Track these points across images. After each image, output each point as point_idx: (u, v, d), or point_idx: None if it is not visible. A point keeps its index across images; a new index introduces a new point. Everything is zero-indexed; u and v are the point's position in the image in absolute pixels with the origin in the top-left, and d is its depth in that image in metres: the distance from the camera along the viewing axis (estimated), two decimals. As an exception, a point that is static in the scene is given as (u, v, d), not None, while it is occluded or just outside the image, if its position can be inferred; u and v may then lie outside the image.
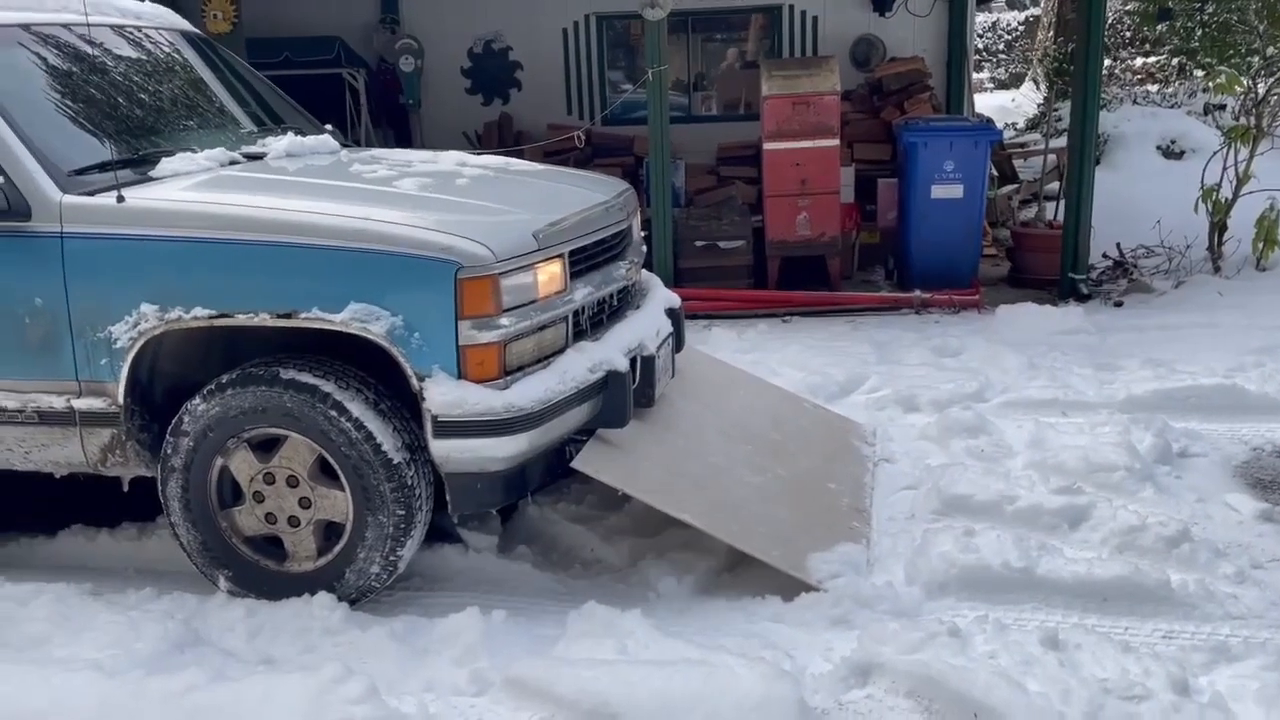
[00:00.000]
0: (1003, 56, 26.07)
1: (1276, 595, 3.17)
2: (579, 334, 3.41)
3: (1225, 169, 6.90)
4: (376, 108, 9.54)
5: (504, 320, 3.06)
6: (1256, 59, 7.69)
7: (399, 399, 3.14)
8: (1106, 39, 14.55)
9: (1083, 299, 6.82)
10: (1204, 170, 6.99)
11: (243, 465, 3.19)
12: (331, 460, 3.10)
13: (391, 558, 3.14)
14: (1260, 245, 6.80)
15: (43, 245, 3.14)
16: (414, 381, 3.03)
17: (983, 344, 5.79)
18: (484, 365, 3.04)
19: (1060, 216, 7.33)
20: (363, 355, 3.14)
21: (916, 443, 4.40)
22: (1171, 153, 10.37)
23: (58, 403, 3.24)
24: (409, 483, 3.09)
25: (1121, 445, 4.04)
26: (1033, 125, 13.57)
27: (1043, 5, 19.17)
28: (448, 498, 3.14)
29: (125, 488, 3.48)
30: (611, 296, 3.66)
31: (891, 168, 8.02)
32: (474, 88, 9.94)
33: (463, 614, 3.01)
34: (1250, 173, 6.86)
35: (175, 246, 3.09)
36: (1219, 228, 7.00)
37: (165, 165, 3.42)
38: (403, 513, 3.10)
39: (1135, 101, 12.17)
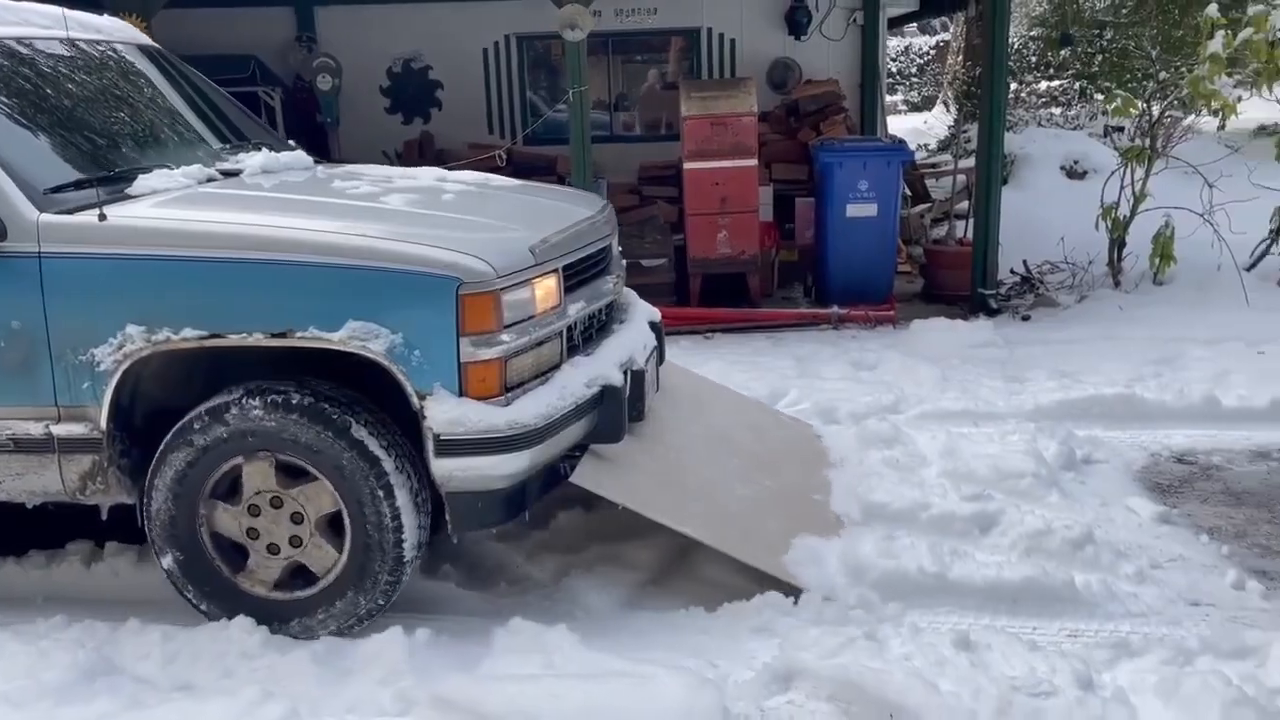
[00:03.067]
0: (916, 80, 26.83)
1: (1174, 593, 3.33)
2: (572, 349, 3.41)
3: (1123, 188, 7.21)
4: (294, 127, 9.41)
5: (504, 336, 3.03)
6: (1151, 83, 8.07)
7: (396, 420, 3.09)
8: (1013, 64, 15.10)
9: (992, 313, 7.05)
10: (1103, 189, 7.30)
11: (257, 476, 3.11)
12: (348, 527, 3.06)
13: (351, 619, 3.13)
14: (1157, 261, 7.11)
15: (19, 266, 3.02)
16: (414, 400, 2.98)
17: (898, 358, 5.94)
18: (485, 382, 3.00)
19: (970, 234, 7.57)
20: (350, 374, 3.09)
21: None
22: (1074, 173, 10.79)
23: (35, 429, 3.11)
24: (405, 572, 3.10)
25: (1029, 453, 4.20)
26: (944, 146, 13.98)
27: (952, 31, 19.82)
28: (447, 518, 3.07)
29: (104, 516, 3.35)
30: (601, 311, 3.70)
31: (809, 187, 8.20)
32: (394, 107, 9.89)
33: (386, 634, 2.99)
34: (1146, 191, 7.18)
35: (163, 265, 3.00)
36: (1118, 244, 7.30)
37: (142, 182, 3.31)
38: (382, 601, 3.11)
39: (1040, 124, 12.66)
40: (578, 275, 3.49)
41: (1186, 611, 3.22)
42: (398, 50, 9.74)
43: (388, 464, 3.02)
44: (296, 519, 3.11)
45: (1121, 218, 7.22)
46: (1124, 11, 14.87)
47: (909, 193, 9.47)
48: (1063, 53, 15.32)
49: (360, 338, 2.94)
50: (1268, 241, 7.14)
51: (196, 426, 3.06)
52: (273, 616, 3.12)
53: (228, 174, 3.66)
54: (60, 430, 3.11)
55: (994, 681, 2.73)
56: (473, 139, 9.26)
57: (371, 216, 3.28)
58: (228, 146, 3.98)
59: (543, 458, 3.14)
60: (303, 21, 9.57)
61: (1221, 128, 7.30)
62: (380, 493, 3.00)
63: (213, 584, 3.16)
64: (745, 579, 3.39)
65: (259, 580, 3.16)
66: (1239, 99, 7.13)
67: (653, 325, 3.97)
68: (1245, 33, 6.63)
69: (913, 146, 13.82)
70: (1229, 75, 6.85)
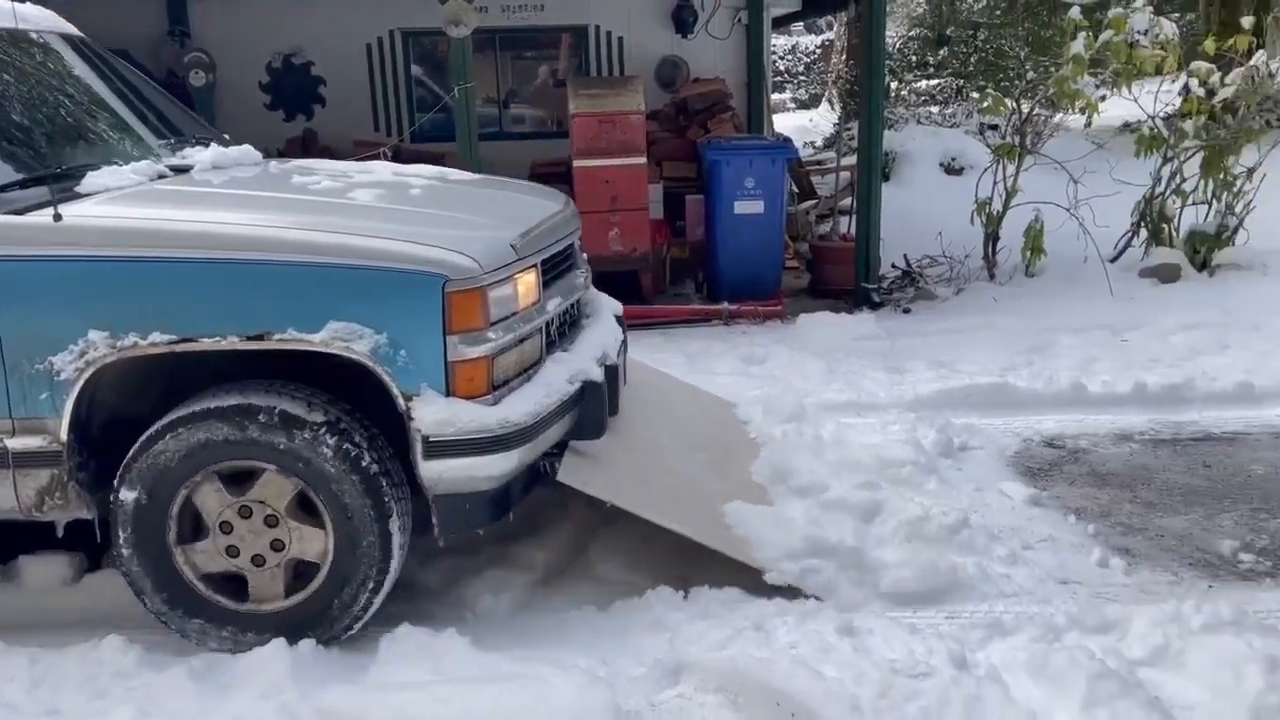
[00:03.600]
0: (803, 78, 27.36)
1: (1044, 572, 3.48)
2: (550, 345, 3.37)
3: (995, 184, 7.50)
4: (168, 123, 9.06)
5: (491, 334, 2.96)
6: (1020, 83, 8.41)
7: (376, 423, 3.01)
8: (893, 63, 15.54)
9: (875, 307, 7.25)
10: (977, 185, 7.58)
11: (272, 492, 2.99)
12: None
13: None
14: (1029, 253, 7.41)
15: None
16: (400, 401, 2.89)
17: (786, 352, 6.06)
18: (473, 381, 2.93)
19: (854, 230, 7.77)
20: (326, 375, 3.00)
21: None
22: (953, 169, 11.20)
23: None
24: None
25: (909, 442, 4.34)
26: (829, 144, 14.31)
27: (836, 31, 20.28)
28: (434, 521, 3.00)
29: (60, 533, 3.16)
30: (573, 306, 3.65)
31: (698, 185, 8.30)
32: (274, 103, 9.61)
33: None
34: (1017, 187, 7.48)
35: (128, 267, 2.84)
36: (992, 238, 7.59)
37: (92, 180, 3.13)
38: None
39: (919, 121, 13.07)
40: (553, 270, 3.47)
41: (1056, 590, 3.37)
42: (277, 45, 9.47)
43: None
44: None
45: (995, 213, 7.51)
46: (997, 13, 15.45)
47: (796, 190, 9.66)
48: (941, 52, 15.85)
49: (343, 338, 2.84)
50: (1130, 234, 7.52)
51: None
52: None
53: (178, 170, 3.52)
54: (15, 444, 2.93)
55: (875, 665, 2.81)
56: (358, 136, 9.07)
57: (345, 213, 3.18)
58: (171, 141, 3.82)
59: (530, 456, 3.11)
60: (175, 15, 9.21)
61: (1088, 125, 7.69)
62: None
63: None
64: (639, 576, 3.42)
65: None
66: (1102, 98, 7.51)
67: (617, 318, 3.98)
68: (1106, 34, 6.99)
69: (799, 144, 14.11)
70: (1092, 75, 7.19)
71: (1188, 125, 7.12)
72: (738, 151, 7.42)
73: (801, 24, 26.69)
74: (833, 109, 15.03)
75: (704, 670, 2.83)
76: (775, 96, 27.22)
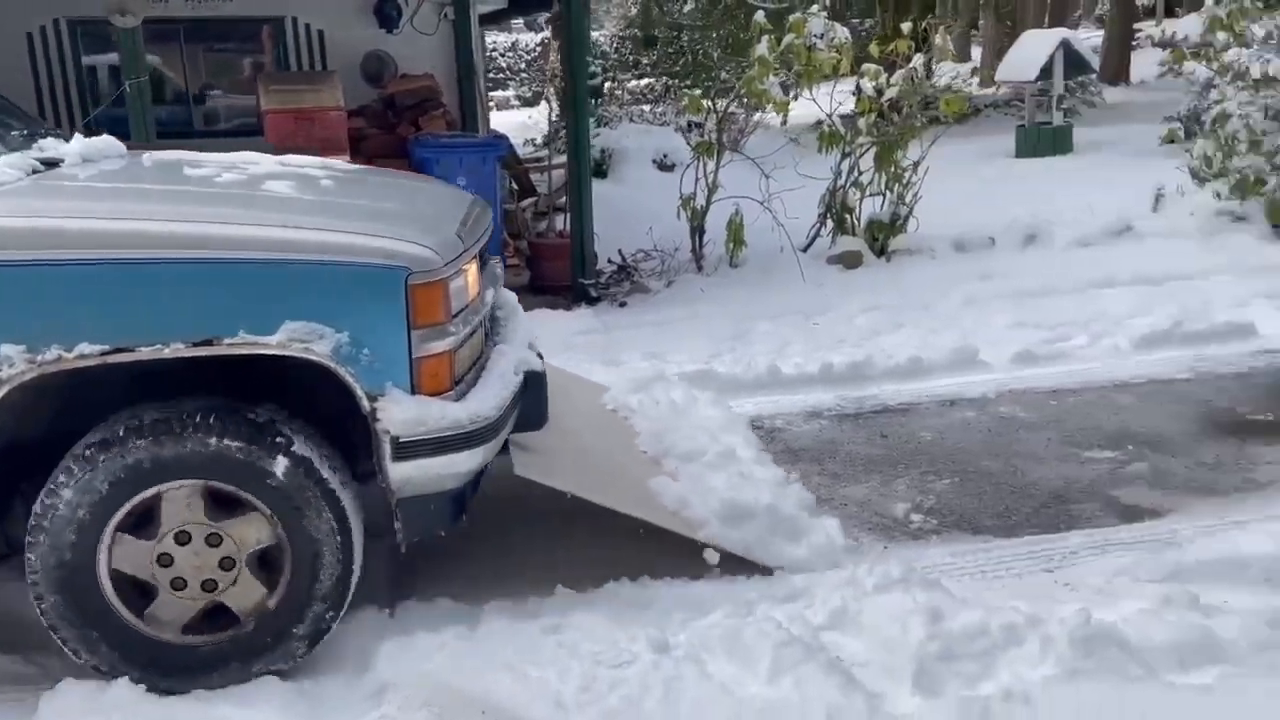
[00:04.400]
0: (524, 75, 27.49)
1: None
2: (487, 337, 3.29)
3: (698, 180, 7.84)
4: None
5: (451, 327, 2.86)
6: (716, 83, 8.84)
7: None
8: (605, 62, 15.95)
9: (593, 302, 7.38)
10: (680, 181, 7.89)
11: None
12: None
13: None
14: (731, 246, 7.80)
15: None
16: (365, 403, 2.73)
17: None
18: (438, 377, 2.83)
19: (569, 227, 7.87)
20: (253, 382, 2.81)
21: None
22: (665, 165, 11.59)
23: None
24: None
25: (618, 434, 4.43)
26: (549, 141, 14.45)
27: (552, 29, 20.50)
28: (398, 526, 2.86)
29: None
30: (495, 298, 3.59)
31: (410, 183, 8.08)
32: (-86, 97, 8.43)
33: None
34: (718, 183, 7.86)
35: (44, 272, 2.56)
36: (698, 232, 7.94)
37: None
38: None
39: (632, 119, 13.48)
40: (482, 260, 3.38)
41: (749, 564, 3.54)
42: (-87, 32, 8.31)
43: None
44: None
45: (699, 207, 7.84)
46: (699, 17, 16.22)
47: (516, 187, 9.66)
48: (653, 53, 16.43)
49: (302, 339, 2.66)
50: (818, 225, 8.09)
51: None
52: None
53: (47, 163, 3.23)
54: None
55: (579, 659, 2.84)
56: (20, 135, 8.14)
57: (274, 207, 2.98)
58: (23, 132, 3.52)
59: (493, 452, 3.04)
60: None
61: (784, 123, 8.20)
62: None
63: None
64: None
65: None
66: (795, 97, 8.04)
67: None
68: (788, 38, 7.47)
69: (520, 142, 14.11)
70: (777, 76, 7.67)
71: (861, 123, 7.75)
72: (448, 149, 7.32)
73: (522, 21, 26.79)
74: (550, 106, 15.17)
75: (409, 687, 2.76)
76: (499, 94, 27.18)
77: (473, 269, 3.15)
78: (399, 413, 2.79)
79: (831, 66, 7.46)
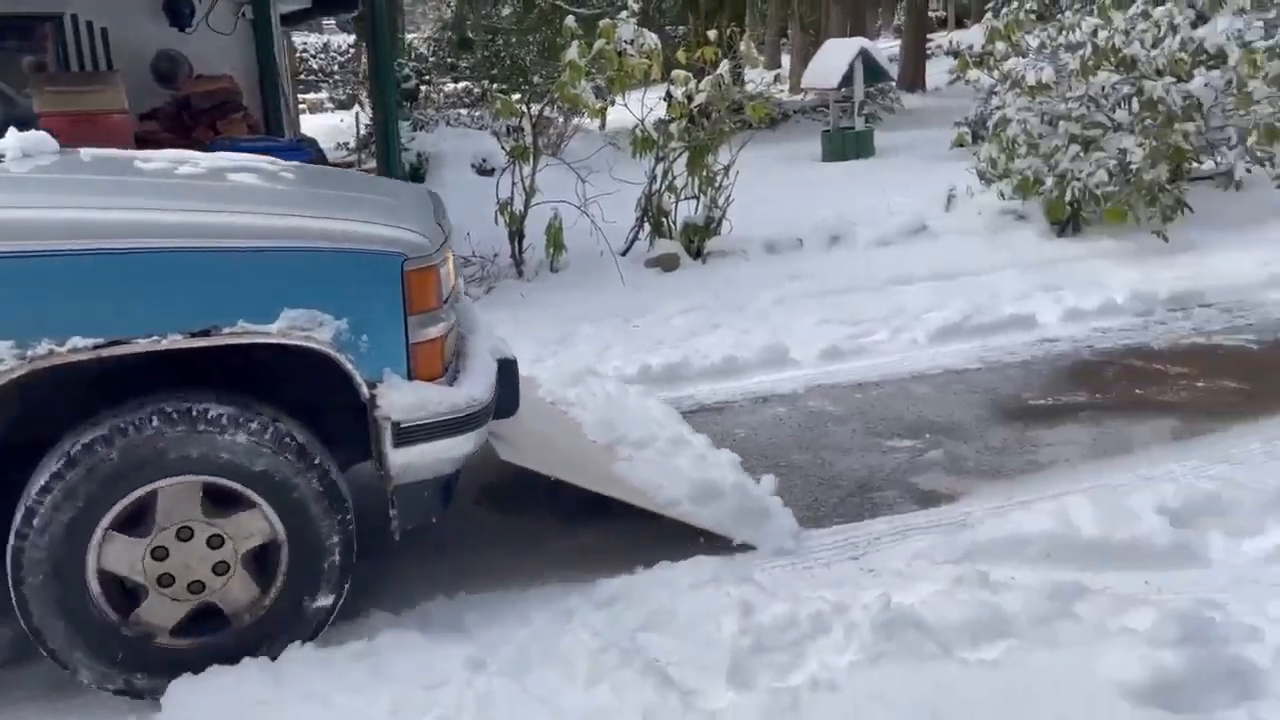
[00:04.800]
0: (337, 77, 26.65)
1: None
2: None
3: (515, 184, 7.78)
4: None
5: (443, 313, 2.94)
6: (531, 86, 8.81)
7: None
8: (420, 65, 15.63)
9: (410, 310, 7.18)
10: (497, 186, 7.82)
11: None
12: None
13: None
14: (551, 250, 7.79)
15: None
16: (364, 390, 2.79)
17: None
18: (432, 363, 2.90)
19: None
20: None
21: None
22: (484, 170, 11.49)
23: None
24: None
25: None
26: (363, 145, 14.05)
27: (358, 30, 19.95)
28: (394, 514, 2.94)
29: None
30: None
31: (209, 190, 7.66)
32: None
33: None
34: (536, 187, 7.82)
35: (30, 264, 2.54)
36: (518, 236, 7.88)
37: None
38: None
39: (449, 123, 13.27)
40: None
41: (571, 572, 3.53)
42: None
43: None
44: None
45: (517, 212, 7.79)
46: (514, 21, 16.14)
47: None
48: (470, 56, 16.23)
49: (303, 328, 2.69)
50: (636, 228, 8.18)
51: None
52: None
53: None
54: None
55: (389, 681, 2.75)
56: None
57: (252, 198, 3.00)
58: None
59: (484, 436, 3.10)
60: None
61: (602, 128, 8.24)
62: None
63: None
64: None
65: None
66: (612, 102, 8.10)
67: None
68: (599, 43, 7.51)
69: (331, 146, 13.65)
70: (590, 80, 7.70)
71: (673, 128, 7.89)
72: (246, 154, 6.95)
73: (334, 22, 25.92)
74: (362, 109, 14.77)
75: (204, 727, 2.60)
76: (312, 96, 26.21)
77: (452, 257, 3.27)
78: (399, 398, 2.84)
79: (643, 72, 7.55)
